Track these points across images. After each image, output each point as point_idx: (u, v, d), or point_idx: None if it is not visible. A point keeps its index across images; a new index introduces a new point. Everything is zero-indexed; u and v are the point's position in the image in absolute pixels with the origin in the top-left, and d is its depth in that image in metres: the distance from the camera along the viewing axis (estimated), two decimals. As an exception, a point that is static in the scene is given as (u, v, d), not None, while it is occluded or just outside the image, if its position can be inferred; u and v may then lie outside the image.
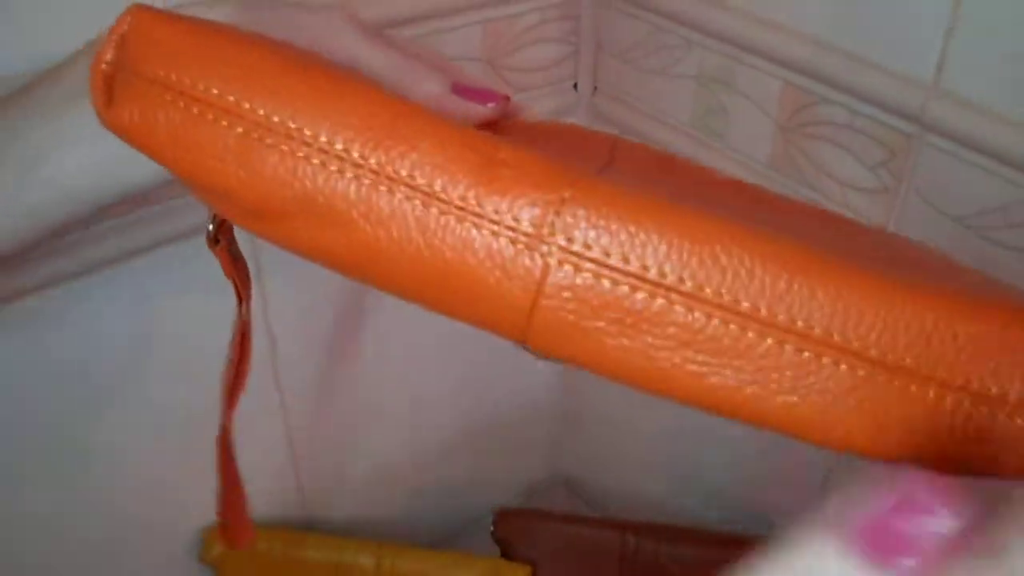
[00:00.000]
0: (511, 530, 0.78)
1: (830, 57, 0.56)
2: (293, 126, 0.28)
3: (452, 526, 0.93)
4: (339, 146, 0.28)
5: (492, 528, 0.78)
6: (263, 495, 0.76)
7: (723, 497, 0.80)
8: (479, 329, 0.28)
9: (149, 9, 0.32)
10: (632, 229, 0.25)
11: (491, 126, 0.38)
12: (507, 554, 0.78)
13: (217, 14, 0.38)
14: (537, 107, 0.72)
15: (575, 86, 0.74)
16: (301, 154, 0.28)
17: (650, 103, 0.70)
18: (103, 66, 0.32)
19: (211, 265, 0.63)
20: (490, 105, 0.38)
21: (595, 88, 0.74)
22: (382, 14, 0.59)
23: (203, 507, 0.73)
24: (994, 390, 0.24)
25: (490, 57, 0.67)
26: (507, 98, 0.39)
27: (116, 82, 0.32)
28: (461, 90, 0.38)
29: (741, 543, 0.75)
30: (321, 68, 0.30)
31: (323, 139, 0.28)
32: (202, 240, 0.59)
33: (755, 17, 0.59)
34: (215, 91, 0.29)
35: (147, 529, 0.70)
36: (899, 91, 0.53)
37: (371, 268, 0.28)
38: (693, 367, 0.26)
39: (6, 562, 0.64)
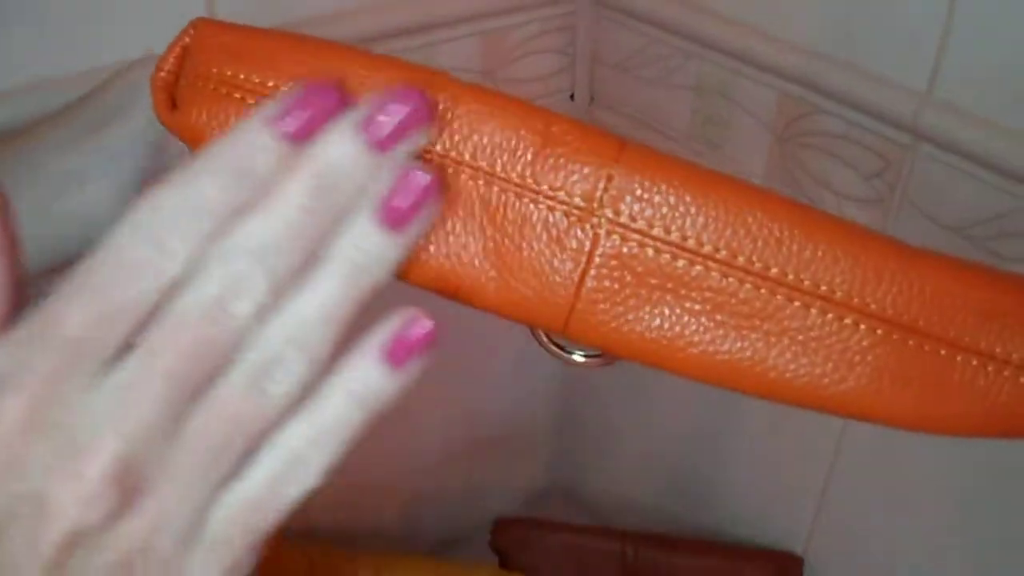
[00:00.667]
0: (509, 539, 0.78)
1: (826, 68, 0.56)
2: None
3: (451, 535, 0.93)
4: None
5: (490, 537, 0.78)
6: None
7: (721, 507, 0.80)
8: (525, 313, 0.30)
9: (211, 20, 0.34)
10: (672, 201, 0.29)
11: None
12: (505, 563, 0.78)
13: None
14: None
15: (572, 97, 0.75)
16: None
17: (647, 113, 0.70)
18: (162, 74, 0.34)
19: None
20: None
21: (592, 99, 0.75)
22: (383, 24, 0.60)
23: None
24: (998, 350, 0.28)
25: (487, 68, 0.67)
26: None
27: (178, 88, 0.33)
28: None
29: (739, 552, 0.75)
30: (383, 59, 0.31)
31: None
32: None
33: (752, 28, 0.60)
34: (284, 88, 0.31)
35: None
36: (894, 101, 0.53)
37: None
38: (724, 331, 0.29)
39: None
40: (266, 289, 0.24)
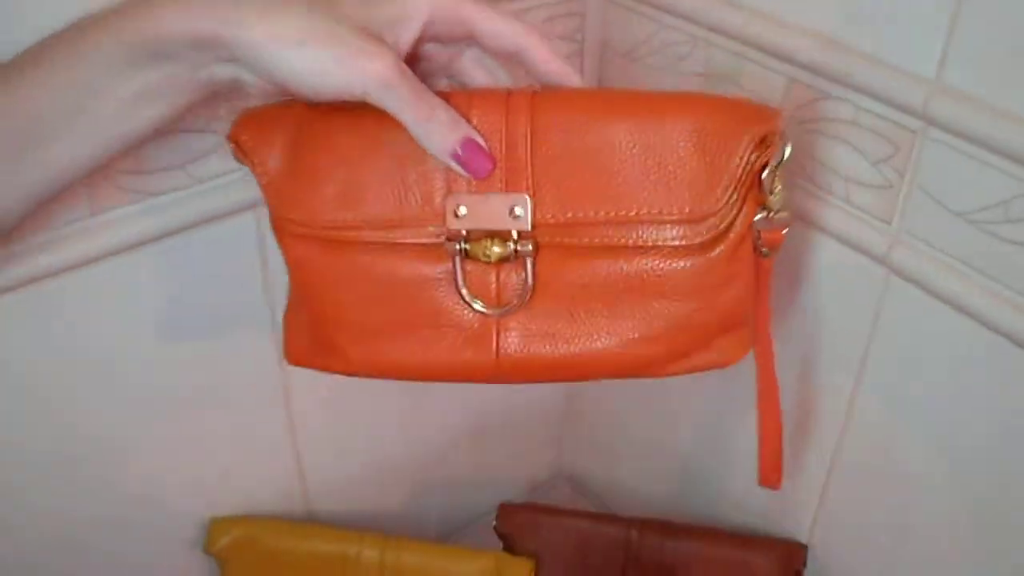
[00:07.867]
0: (514, 524, 0.78)
1: (835, 54, 0.56)
2: None
3: (457, 521, 0.94)
4: None
5: (495, 522, 0.79)
6: (267, 488, 0.77)
7: (726, 494, 0.81)
8: None
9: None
10: None
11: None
12: (510, 548, 0.78)
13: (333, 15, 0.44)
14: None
15: (581, 83, 0.75)
16: None
17: (656, 100, 0.70)
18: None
19: (199, 254, 0.64)
20: None
21: (600, 86, 0.75)
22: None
23: (209, 497, 0.74)
24: None
25: (497, 53, 0.67)
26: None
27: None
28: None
29: (743, 540, 0.75)
30: None
31: None
32: (192, 234, 0.60)
33: (762, 14, 0.60)
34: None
35: (153, 518, 0.70)
36: (903, 87, 0.53)
37: None
38: None
39: (8, 551, 0.64)
40: None
